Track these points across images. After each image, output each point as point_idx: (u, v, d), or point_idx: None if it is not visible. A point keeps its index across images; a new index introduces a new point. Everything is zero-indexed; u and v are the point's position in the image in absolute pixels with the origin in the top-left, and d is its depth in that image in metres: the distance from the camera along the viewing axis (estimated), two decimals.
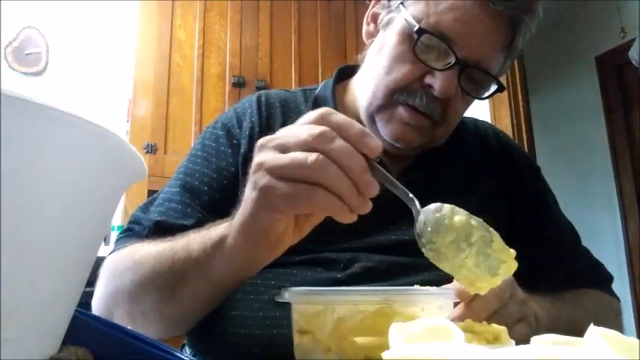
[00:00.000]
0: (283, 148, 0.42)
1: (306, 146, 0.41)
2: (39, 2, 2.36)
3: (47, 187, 0.24)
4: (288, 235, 0.47)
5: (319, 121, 0.42)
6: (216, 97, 2.35)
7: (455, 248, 0.43)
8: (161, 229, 0.66)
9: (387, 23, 0.71)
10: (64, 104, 0.24)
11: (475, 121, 0.87)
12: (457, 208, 0.43)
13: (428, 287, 0.46)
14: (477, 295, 0.44)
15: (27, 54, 2.32)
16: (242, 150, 0.72)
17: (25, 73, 2.31)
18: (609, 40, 3.11)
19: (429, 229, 0.43)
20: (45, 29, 2.37)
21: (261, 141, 0.45)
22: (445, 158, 0.78)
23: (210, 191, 0.70)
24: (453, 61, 0.64)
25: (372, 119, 0.72)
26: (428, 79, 0.66)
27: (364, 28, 0.77)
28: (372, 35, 0.75)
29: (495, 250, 0.42)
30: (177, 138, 2.24)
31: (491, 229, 0.43)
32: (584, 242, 0.83)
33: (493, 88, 0.71)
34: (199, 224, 0.62)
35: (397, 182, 0.44)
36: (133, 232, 0.71)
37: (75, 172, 0.25)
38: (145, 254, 0.60)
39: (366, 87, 0.73)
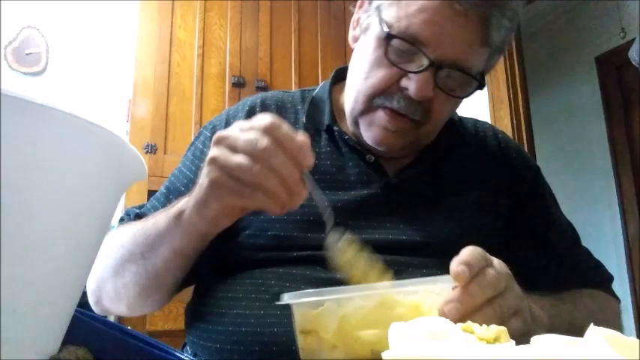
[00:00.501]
0: (234, 149, 0.49)
1: (253, 155, 0.48)
2: (39, 2, 2.36)
3: (47, 187, 0.24)
4: (228, 217, 0.56)
5: (266, 130, 0.48)
6: (216, 98, 2.35)
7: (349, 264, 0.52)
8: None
9: (366, 28, 0.72)
10: (64, 104, 0.24)
11: (475, 121, 0.87)
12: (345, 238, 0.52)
13: (426, 278, 0.47)
14: (473, 280, 0.46)
15: (27, 54, 2.32)
16: None
17: (25, 73, 2.31)
18: (609, 40, 3.11)
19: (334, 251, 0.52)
20: (45, 29, 2.37)
21: (218, 135, 0.51)
22: (443, 158, 0.78)
23: (187, 191, 0.73)
24: (427, 64, 0.65)
25: (356, 124, 0.74)
26: (403, 82, 0.67)
27: (350, 32, 0.78)
28: (357, 40, 0.76)
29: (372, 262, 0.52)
30: (177, 138, 2.24)
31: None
32: (584, 242, 0.83)
33: (474, 86, 0.70)
34: None
35: (321, 192, 0.53)
36: (122, 222, 0.77)
37: (75, 172, 0.25)
38: (123, 234, 0.68)
39: (349, 92, 0.75)
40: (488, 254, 0.48)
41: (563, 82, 3.42)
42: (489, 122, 0.91)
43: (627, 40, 2.89)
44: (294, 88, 2.49)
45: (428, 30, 0.64)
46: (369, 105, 0.70)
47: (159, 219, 0.63)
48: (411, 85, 0.66)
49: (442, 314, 0.44)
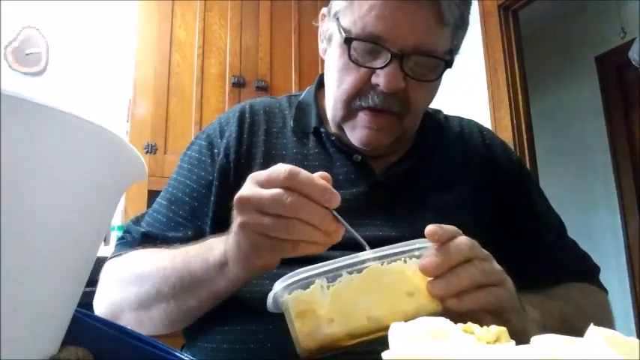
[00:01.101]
0: (262, 211, 0.49)
1: (283, 213, 0.48)
2: (39, 2, 2.36)
3: (47, 187, 0.24)
4: (274, 264, 0.55)
5: (286, 181, 0.48)
6: (216, 97, 2.35)
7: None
8: (147, 240, 0.72)
9: (330, 38, 0.74)
10: (64, 104, 0.24)
11: (460, 119, 0.89)
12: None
13: (403, 243, 0.49)
14: (448, 240, 0.48)
15: (27, 54, 2.32)
16: (219, 159, 0.75)
17: (25, 73, 2.31)
18: (609, 40, 3.11)
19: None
20: (45, 29, 2.37)
21: (240, 198, 0.51)
22: (430, 155, 0.79)
23: (191, 201, 0.74)
24: (390, 57, 0.66)
25: (340, 129, 0.76)
26: (374, 80, 0.68)
27: (320, 45, 0.80)
28: (325, 51, 0.78)
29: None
30: (177, 138, 2.24)
31: None
32: (584, 242, 0.84)
33: (442, 67, 0.71)
34: (184, 236, 0.70)
35: (351, 229, 0.51)
36: (125, 240, 0.76)
37: (75, 172, 0.25)
38: (147, 269, 0.65)
39: (329, 102, 0.77)
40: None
41: (563, 82, 3.42)
42: (474, 120, 0.91)
43: (627, 40, 2.89)
44: (294, 88, 2.49)
45: (382, 25, 0.66)
46: (349, 109, 0.72)
47: (192, 262, 0.61)
48: (380, 80, 0.67)
49: (423, 270, 0.47)
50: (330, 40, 0.74)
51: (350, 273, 0.46)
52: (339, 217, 0.50)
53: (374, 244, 0.66)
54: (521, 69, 2.33)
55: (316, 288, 0.46)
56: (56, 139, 0.24)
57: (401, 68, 0.67)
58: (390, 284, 0.46)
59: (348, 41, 0.68)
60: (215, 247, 0.59)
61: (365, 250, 0.49)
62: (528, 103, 2.31)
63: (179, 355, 0.36)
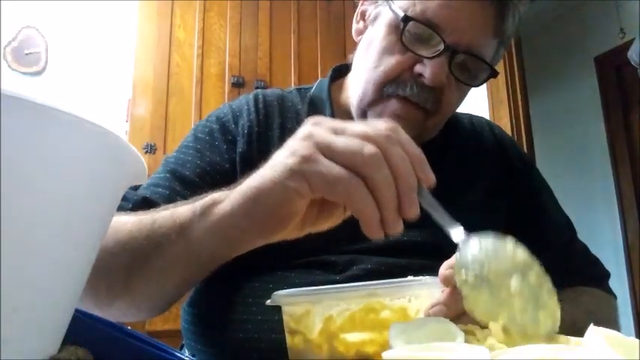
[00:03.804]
0: (339, 132, 0.39)
1: (367, 138, 0.38)
2: (39, 2, 2.36)
3: (47, 187, 0.24)
4: (294, 223, 0.43)
5: (387, 129, 0.40)
6: (215, 97, 2.35)
7: (506, 278, 0.37)
8: (146, 206, 0.61)
9: (375, 18, 0.71)
10: (63, 104, 0.24)
11: (471, 117, 0.87)
12: (519, 244, 0.39)
13: (414, 277, 0.45)
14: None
15: (26, 54, 2.31)
16: (239, 149, 0.70)
17: (25, 73, 2.30)
18: (608, 41, 3.11)
19: (486, 253, 0.38)
20: (44, 29, 2.37)
21: (313, 119, 0.41)
22: (441, 157, 0.77)
23: (202, 184, 0.66)
24: (442, 48, 0.64)
25: (363, 115, 0.71)
26: (418, 68, 0.65)
27: (354, 26, 0.77)
28: (362, 33, 0.75)
29: (547, 302, 0.38)
30: (176, 138, 2.23)
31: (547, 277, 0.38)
32: (583, 241, 0.83)
33: (487, 74, 0.70)
34: None
35: (443, 210, 0.41)
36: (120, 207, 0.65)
37: (75, 172, 0.25)
38: (123, 220, 0.55)
39: (357, 84, 0.72)
40: None
41: (562, 82, 3.42)
42: (485, 117, 0.90)
43: (626, 40, 2.90)
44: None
45: (444, 13, 0.63)
46: (380, 94, 0.68)
47: (179, 208, 0.51)
48: (426, 70, 0.64)
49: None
50: (374, 19, 0.71)
51: (350, 302, 0.42)
52: (428, 193, 0.40)
53: (385, 249, 0.65)
54: (521, 69, 2.33)
55: (310, 312, 0.43)
56: (56, 139, 0.24)
57: (448, 63, 0.65)
58: (387, 321, 0.42)
59: (406, 20, 0.64)
60: (214, 193, 0.49)
61: (460, 233, 0.41)
62: (527, 103, 2.31)
63: (179, 355, 0.36)
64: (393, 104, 0.67)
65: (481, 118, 0.87)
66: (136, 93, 2.23)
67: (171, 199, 0.63)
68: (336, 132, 0.39)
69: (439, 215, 0.41)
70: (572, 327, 0.62)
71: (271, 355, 0.58)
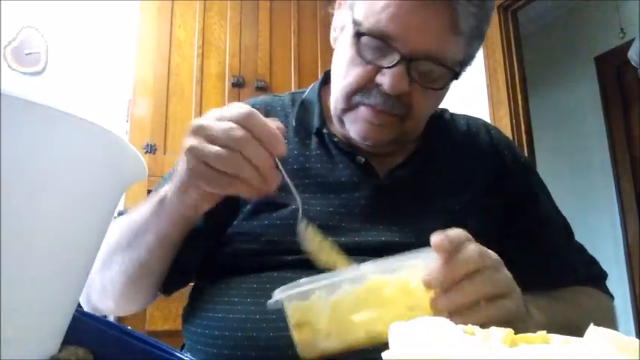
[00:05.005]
0: (211, 139, 0.51)
1: (229, 145, 0.50)
2: (39, 2, 2.36)
3: (47, 187, 0.24)
4: (207, 202, 0.58)
5: (241, 120, 0.51)
6: (215, 98, 2.35)
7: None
8: None
9: (342, 28, 0.73)
10: (63, 104, 0.24)
11: (468, 118, 0.87)
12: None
13: (407, 253, 0.47)
14: (455, 251, 0.46)
15: (26, 54, 2.31)
16: None
17: (25, 73, 2.30)
18: (608, 41, 3.11)
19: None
20: (44, 29, 2.37)
21: (195, 125, 0.53)
22: (435, 157, 0.77)
23: None
24: (398, 58, 0.65)
25: (341, 122, 0.74)
26: (378, 78, 0.67)
27: (331, 33, 0.78)
28: (336, 40, 0.76)
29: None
30: (176, 138, 2.23)
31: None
32: (583, 242, 0.83)
33: (449, 77, 0.70)
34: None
35: (290, 181, 0.55)
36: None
37: (75, 172, 0.25)
38: (115, 224, 0.67)
39: (333, 91, 0.75)
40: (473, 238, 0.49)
41: (562, 82, 3.42)
42: (482, 119, 0.89)
43: (626, 40, 2.90)
44: (293, 87, 2.49)
45: (395, 24, 0.64)
46: (350, 103, 0.70)
47: (142, 208, 0.64)
48: (385, 80, 0.66)
49: (426, 285, 0.45)
50: (342, 29, 0.73)
51: (352, 284, 0.44)
52: (281, 167, 0.53)
53: (376, 249, 0.65)
54: (521, 69, 2.33)
55: (315, 301, 0.44)
56: (56, 139, 0.24)
57: (407, 71, 0.66)
58: (391, 297, 0.44)
59: (358, 35, 0.67)
60: (161, 190, 0.62)
61: (298, 207, 0.55)
62: (527, 103, 2.31)
63: (179, 355, 0.36)
64: (363, 112, 0.70)
65: (478, 120, 0.88)
66: (136, 93, 2.23)
67: None
68: (210, 140, 0.51)
69: (289, 184, 0.55)
70: (569, 326, 0.62)
71: (270, 353, 0.59)
